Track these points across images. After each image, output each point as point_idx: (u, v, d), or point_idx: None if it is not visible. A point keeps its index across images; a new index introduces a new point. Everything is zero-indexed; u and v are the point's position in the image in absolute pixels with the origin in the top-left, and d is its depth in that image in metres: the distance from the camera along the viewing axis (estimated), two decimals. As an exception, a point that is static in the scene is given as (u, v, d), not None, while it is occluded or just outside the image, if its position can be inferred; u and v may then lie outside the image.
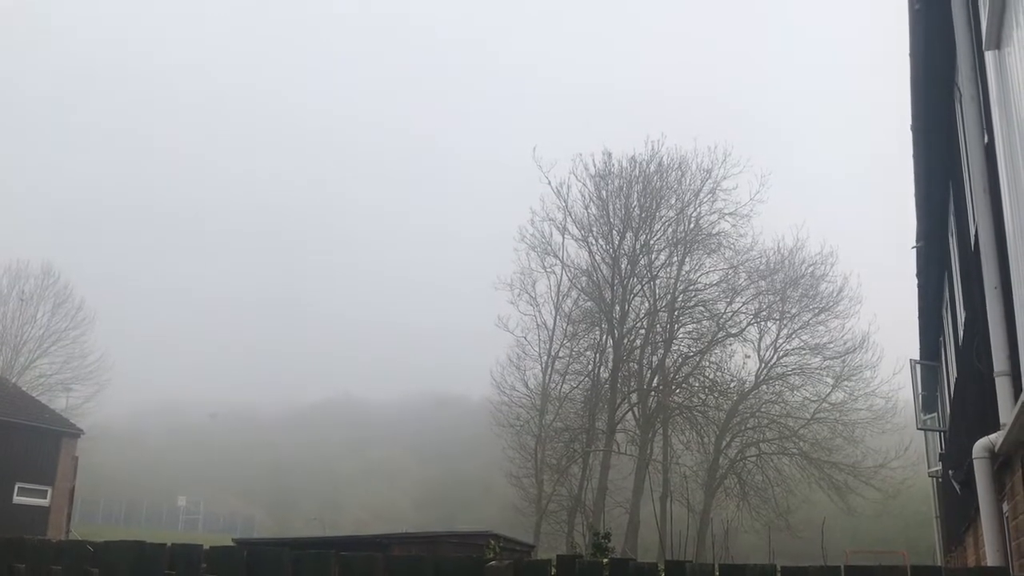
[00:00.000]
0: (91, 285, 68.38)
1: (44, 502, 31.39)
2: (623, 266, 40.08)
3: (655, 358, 40.40)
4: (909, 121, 9.18)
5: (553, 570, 3.92)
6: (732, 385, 40.03)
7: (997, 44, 5.18)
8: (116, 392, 57.01)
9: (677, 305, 40.14)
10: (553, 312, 39.96)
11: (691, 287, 40.33)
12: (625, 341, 39.83)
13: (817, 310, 39.43)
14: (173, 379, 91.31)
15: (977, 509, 6.56)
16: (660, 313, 40.23)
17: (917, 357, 17.93)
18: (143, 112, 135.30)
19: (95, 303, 55.78)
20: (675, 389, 39.97)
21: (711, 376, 40.13)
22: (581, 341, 40.26)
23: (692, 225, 39.80)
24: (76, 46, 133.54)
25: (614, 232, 40.16)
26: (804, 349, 39.89)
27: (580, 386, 39.96)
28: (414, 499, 73.90)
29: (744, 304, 40.27)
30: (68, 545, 4.97)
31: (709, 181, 39.52)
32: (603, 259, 40.37)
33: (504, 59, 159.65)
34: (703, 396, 39.79)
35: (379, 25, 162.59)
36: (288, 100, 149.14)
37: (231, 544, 13.31)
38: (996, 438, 5.61)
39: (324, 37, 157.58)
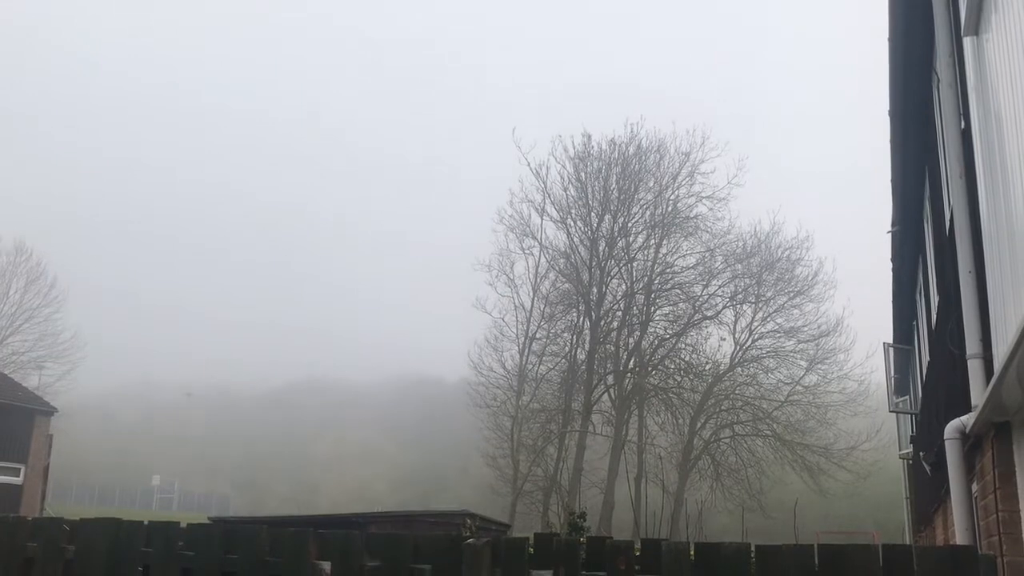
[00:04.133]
0: (64, 263, 67.67)
1: (17, 480, 31.11)
2: (601, 248, 40.17)
3: (631, 340, 40.61)
4: (887, 106, 9.23)
5: (530, 548, 3.95)
6: (707, 367, 40.34)
7: (976, 30, 5.21)
8: (90, 371, 56.51)
9: (654, 287, 40.33)
10: (531, 293, 40.09)
11: (668, 270, 40.55)
12: (602, 323, 39.99)
13: (792, 294, 39.79)
14: (147, 358, 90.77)
15: (947, 490, 6.66)
16: (637, 295, 40.40)
17: (890, 340, 18.14)
18: (128, 103, 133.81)
19: (68, 281, 55.17)
20: (651, 371, 40.22)
21: (687, 358, 40.43)
22: (558, 322, 40.44)
23: (670, 208, 39.98)
24: (72, 47, 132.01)
25: (592, 214, 40.24)
26: (779, 332, 40.29)
27: (557, 367, 40.11)
28: (390, 479, 73.98)
29: (720, 287, 40.60)
30: (44, 522, 4.94)
31: (687, 164, 39.75)
32: (581, 241, 40.49)
33: (488, 47, 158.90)
34: (678, 378, 40.07)
35: (358, 24, 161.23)
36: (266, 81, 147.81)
37: (207, 522, 13.26)
38: (967, 419, 5.69)
39: (300, 39, 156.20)
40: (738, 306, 40.63)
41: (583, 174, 40.23)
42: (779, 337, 40.30)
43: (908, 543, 19.16)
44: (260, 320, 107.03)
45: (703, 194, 39.64)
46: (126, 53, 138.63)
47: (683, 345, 40.55)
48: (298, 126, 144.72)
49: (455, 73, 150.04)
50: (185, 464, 74.40)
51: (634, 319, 40.62)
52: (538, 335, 39.81)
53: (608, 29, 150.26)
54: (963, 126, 6.07)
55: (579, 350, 39.72)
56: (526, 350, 39.50)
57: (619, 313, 40.76)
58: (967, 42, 5.54)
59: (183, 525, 4.57)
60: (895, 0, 7.34)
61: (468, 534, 8.49)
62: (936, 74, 6.87)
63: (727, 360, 40.55)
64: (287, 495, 71.06)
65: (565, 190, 40.28)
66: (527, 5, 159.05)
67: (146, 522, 4.61)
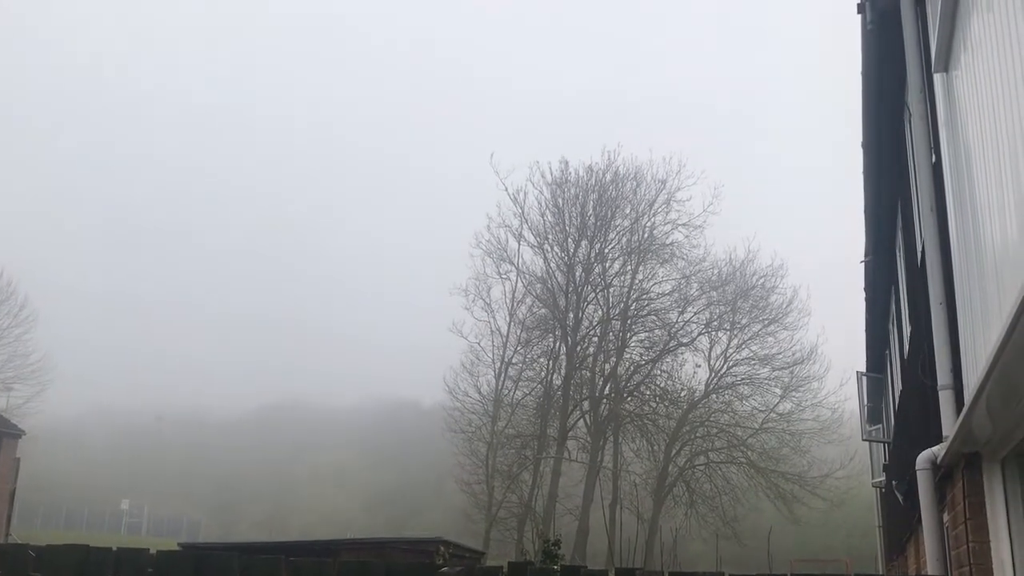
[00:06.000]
0: (35, 283, 66.87)
1: (-18, 504, 30.53)
2: (577, 274, 40.29)
3: (607, 366, 40.63)
4: (860, 138, 9.37)
5: (505, 577, 3.94)
6: (682, 394, 40.41)
7: (945, 67, 5.32)
8: (59, 393, 55.61)
9: (630, 314, 40.45)
10: (507, 318, 40.02)
11: (644, 296, 40.70)
12: (578, 349, 40.01)
13: (767, 321, 40.02)
14: (118, 380, 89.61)
15: (919, 519, 6.70)
16: (613, 321, 40.49)
17: (863, 369, 18.27)
18: (109, 117, 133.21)
19: (39, 301, 54.41)
20: (626, 397, 40.23)
21: (662, 385, 40.50)
22: (535, 348, 40.37)
23: (646, 235, 40.19)
24: (62, 57, 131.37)
25: (569, 240, 40.38)
26: (753, 359, 40.46)
27: (533, 393, 40.02)
28: (363, 504, 73.33)
29: (696, 314, 40.77)
30: (8, 549, 4.85)
31: (663, 192, 40.02)
32: (558, 266, 40.57)
33: (465, 67, 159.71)
34: (654, 404, 40.10)
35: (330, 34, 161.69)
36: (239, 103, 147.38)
37: (177, 548, 13.08)
38: (938, 450, 5.74)
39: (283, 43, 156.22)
40: (713, 333, 40.86)
41: (560, 200, 40.44)
42: (754, 364, 40.52)
43: (881, 572, 19.21)
44: (234, 342, 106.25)
45: (679, 221, 40.00)
46: (122, 57, 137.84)
47: (659, 371, 40.67)
48: (281, 147, 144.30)
49: (436, 97, 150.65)
50: (155, 488, 73.35)
51: (610, 345, 40.68)
52: (514, 360, 39.76)
53: (590, 57, 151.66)
54: (934, 160, 6.17)
55: (555, 376, 39.71)
56: (502, 375, 39.43)
57: (595, 339, 40.83)
58: (937, 78, 5.64)
59: (152, 552, 4.52)
60: (867, 35, 7.48)
61: (441, 562, 8.43)
62: (908, 108, 6.99)
63: (702, 387, 40.69)
64: (259, 519, 70.25)
65: (542, 215, 40.49)
66: (515, 26, 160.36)
67: (115, 548, 4.55)
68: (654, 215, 40.20)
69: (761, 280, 40.10)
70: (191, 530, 66.51)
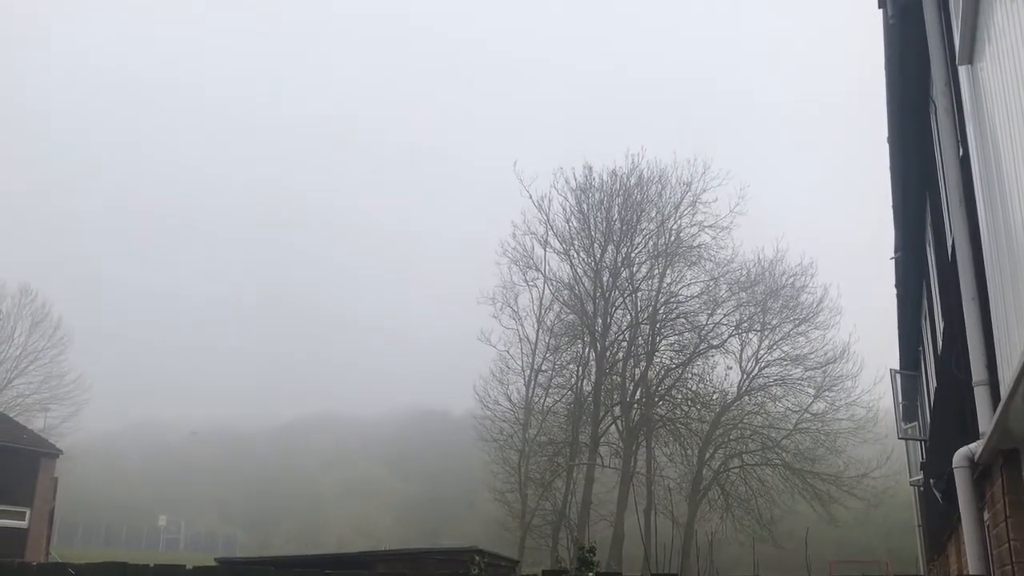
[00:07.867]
0: (69, 304, 67.79)
1: (23, 524, 30.94)
2: (605, 279, 40.14)
3: (638, 370, 40.41)
4: (886, 133, 9.28)
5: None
6: (714, 396, 40.08)
7: (970, 59, 5.25)
8: (95, 412, 56.52)
9: (659, 317, 40.21)
10: (536, 325, 39.96)
11: (672, 299, 40.43)
12: (608, 354, 39.84)
13: (798, 321, 39.62)
14: (153, 398, 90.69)
15: (959, 517, 6.60)
16: (642, 325, 40.28)
17: (897, 367, 18.07)
18: (129, 127, 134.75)
19: (73, 323, 55.28)
20: (658, 401, 39.99)
21: (693, 388, 40.17)
22: (564, 354, 40.26)
23: (673, 238, 39.94)
24: (66, 59, 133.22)
25: (595, 245, 40.24)
26: (785, 360, 40.05)
27: (563, 399, 39.90)
28: (397, 515, 73.53)
29: (725, 316, 40.40)
30: (49, 568, 4.92)
31: (689, 194, 39.74)
32: (585, 272, 40.44)
33: (489, 73, 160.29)
34: (686, 408, 39.81)
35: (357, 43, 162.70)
36: (269, 103, 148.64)
37: (213, 564, 13.15)
38: (976, 447, 5.66)
39: (317, 44, 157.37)
40: (744, 334, 40.47)
41: (585, 205, 40.32)
42: (786, 365, 40.10)
43: (922, 573, 18.95)
44: (265, 357, 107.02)
45: (706, 223, 39.67)
46: (122, 61, 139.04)
47: (690, 375, 40.33)
48: (290, 162, 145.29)
49: (462, 107, 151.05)
50: (191, 503, 74.03)
51: (640, 349, 40.45)
52: (544, 367, 39.67)
53: (611, 61, 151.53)
54: (961, 153, 6.10)
55: (585, 382, 39.52)
56: (532, 382, 39.35)
57: (624, 344, 40.61)
58: (962, 70, 5.58)
59: (189, 567, 4.55)
60: (890, 30, 7.41)
61: (477, 571, 8.41)
62: (933, 101, 6.91)
63: (734, 389, 40.33)
64: (294, 532, 70.65)
65: (568, 222, 40.36)
66: (528, 37, 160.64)
67: (152, 565, 4.59)
68: (680, 218, 39.99)
69: (791, 279, 39.76)
70: (227, 544, 67.02)
